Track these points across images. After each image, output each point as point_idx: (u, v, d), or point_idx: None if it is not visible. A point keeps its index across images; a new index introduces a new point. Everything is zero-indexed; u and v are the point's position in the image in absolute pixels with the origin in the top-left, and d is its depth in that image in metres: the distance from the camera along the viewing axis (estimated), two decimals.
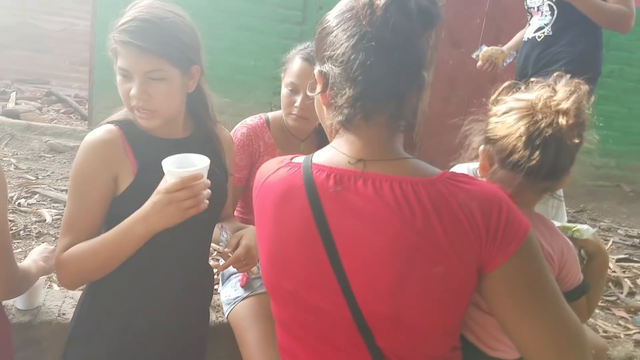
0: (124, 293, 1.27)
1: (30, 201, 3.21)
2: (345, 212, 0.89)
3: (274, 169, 0.99)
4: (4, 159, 4.10)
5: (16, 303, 1.77)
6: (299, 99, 1.82)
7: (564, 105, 1.05)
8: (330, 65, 0.93)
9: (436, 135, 4.81)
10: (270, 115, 2.00)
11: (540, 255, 0.90)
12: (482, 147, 1.13)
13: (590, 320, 2.32)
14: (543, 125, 1.05)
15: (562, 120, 1.04)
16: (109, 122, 1.28)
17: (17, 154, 4.32)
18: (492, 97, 1.17)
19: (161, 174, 1.15)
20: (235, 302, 1.84)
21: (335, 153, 0.96)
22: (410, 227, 0.85)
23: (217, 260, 2.47)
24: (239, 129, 1.95)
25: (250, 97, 5.13)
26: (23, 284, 1.34)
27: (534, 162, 1.05)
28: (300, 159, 0.99)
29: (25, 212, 3.04)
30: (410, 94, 0.94)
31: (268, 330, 1.62)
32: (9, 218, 2.88)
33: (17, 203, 3.13)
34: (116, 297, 1.27)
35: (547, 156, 1.05)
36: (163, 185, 1.15)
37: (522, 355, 0.91)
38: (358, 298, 0.88)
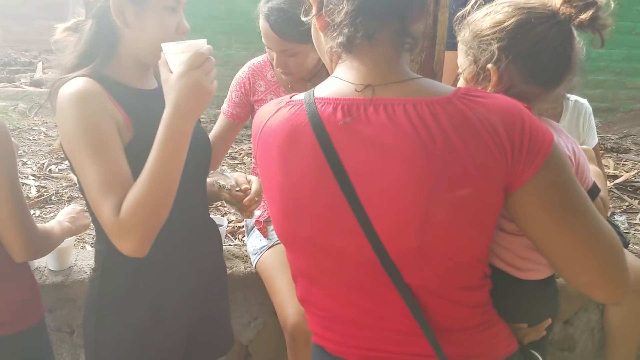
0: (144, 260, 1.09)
1: (61, 167, 3.27)
2: (358, 145, 0.82)
3: (273, 111, 0.91)
4: (34, 127, 4.18)
5: (48, 264, 1.80)
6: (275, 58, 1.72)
7: None
8: None
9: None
10: None
11: (568, 163, 0.84)
12: (493, 65, 1.02)
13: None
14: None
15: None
16: (79, 75, 1.11)
17: (46, 122, 4.39)
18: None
19: (156, 127, 1.06)
20: (261, 252, 1.83)
21: (339, 82, 0.87)
22: (431, 152, 0.78)
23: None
24: (242, 68, 1.90)
25: None
26: (44, 246, 1.33)
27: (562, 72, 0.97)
28: (300, 95, 0.90)
29: (56, 177, 3.09)
30: (414, 9, 0.85)
31: None
32: (42, 184, 2.95)
33: (48, 169, 3.19)
34: (136, 266, 1.14)
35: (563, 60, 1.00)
36: (182, 67, 1.03)
37: (559, 272, 0.86)
38: (381, 235, 0.82)
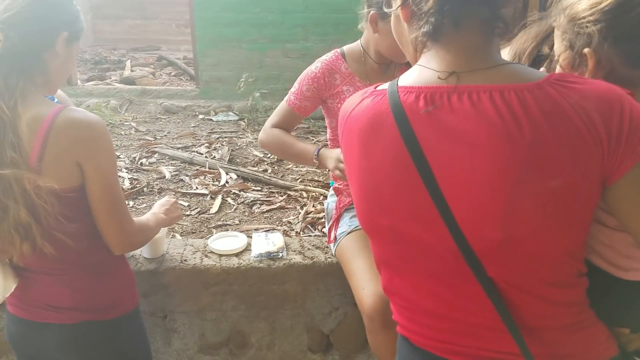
0: None
1: (151, 160, 3.46)
2: (440, 133, 0.80)
3: (357, 101, 0.91)
4: (125, 122, 4.45)
5: (142, 252, 1.92)
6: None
7: None
8: None
9: None
10: (346, 47, 1.93)
11: None
12: (590, 50, 0.96)
13: None
14: None
15: None
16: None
17: (136, 117, 4.66)
18: None
19: None
20: (340, 238, 1.85)
21: (423, 70, 0.86)
22: (518, 140, 0.75)
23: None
24: (314, 64, 1.91)
25: (348, 36, 5.00)
26: (140, 238, 1.41)
27: None
28: (385, 85, 0.90)
29: (147, 170, 3.28)
30: None
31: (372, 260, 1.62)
32: (134, 177, 3.13)
33: (139, 163, 3.39)
34: None
35: None
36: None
37: None
38: (462, 226, 0.80)
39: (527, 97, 0.75)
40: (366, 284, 1.59)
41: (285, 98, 1.96)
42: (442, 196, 0.81)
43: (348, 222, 1.87)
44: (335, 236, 1.88)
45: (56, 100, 1.48)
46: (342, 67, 1.87)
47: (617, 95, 0.75)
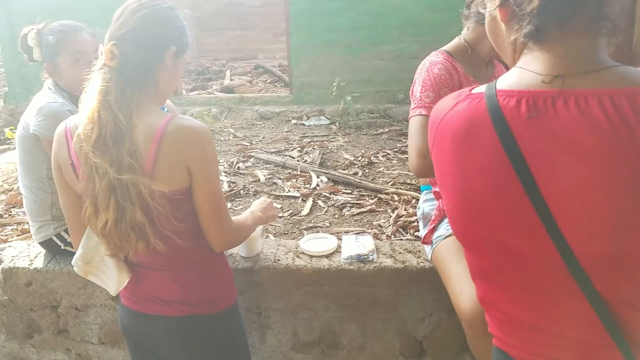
0: None
1: (247, 164, 3.60)
2: (544, 141, 0.75)
3: (451, 105, 0.87)
4: (224, 129, 4.67)
5: (240, 252, 2.01)
6: None
7: None
8: None
9: None
10: (449, 48, 1.86)
11: None
12: None
13: None
14: None
15: None
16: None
17: (234, 124, 4.88)
18: None
19: None
20: (437, 242, 1.80)
21: (524, 73, 0.81)
22: (630, 149, 0.69)
23: None
24: (429, 69, 1.79)
25: (444, 36, 4.88)
26: (238, 236, 1.48)
27: None
28: (481, 88, 0.85)
29: (243, 174, 3.42)
30: None
31: None
32: (232, 180, 3.28)
33: (236, 167, 3.54)
34: None
35: None
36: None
37: None
38: (568, 238, 0.76)
39: None
40: (464, 287, 1.54)
41: (417, 112, 1.73)
42: (546, 206, 0.76)
43: (446, 226, 1.82)
44: (431, 240, 1.84)
45: (166, 109, 1.59)
46: (458, 68, 1.82)
47: None
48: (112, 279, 1.33)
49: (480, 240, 0.87)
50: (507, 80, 0.83)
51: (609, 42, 0.82)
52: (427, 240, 1.87)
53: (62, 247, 2.00)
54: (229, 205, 2.90)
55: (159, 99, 1.29)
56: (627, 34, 0.78)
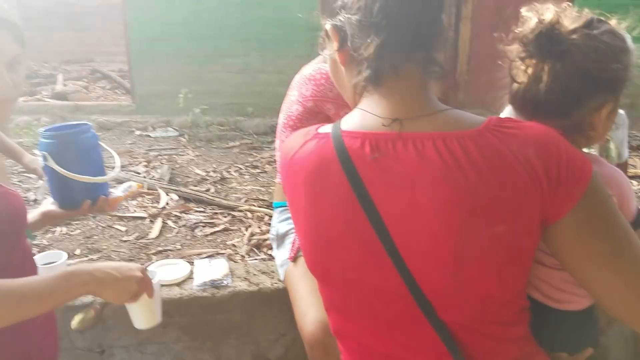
0: None
1: None
2: (388, 180, 0.80)
3: (300, 144, 0.89)
4: None
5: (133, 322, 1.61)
6: None
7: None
8: (345, 15, 0.83)
9: (483, 71, 4.52)
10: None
11: (607, 193, 0.80)
12: None
13: None
14: None
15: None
16: None
17: None
18: None
19: None
20: (288, 263, 1.82)
21: (365, 116, 0.85)
22: (463, 188, 0.75)
23: None
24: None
25: (288, 51, 5.02)
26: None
27: None
28: (327, 128, 0.89)
29: None
30: (436, 34, 0.83)
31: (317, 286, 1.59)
32: None
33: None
34: None
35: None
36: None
37: (602, 303, 0.83)
38: (413, 272, 0.80)
39: (469, 145, 0.76)
40: (308, 310, 1.57)
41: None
42: (392, 242, 0.81)
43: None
44: (285, 259, 1.84)
45: None
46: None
47: (554, 140, 0.77)
48: None
49: (333, 274, 0.90)
50: (351, 122, 0.87)
51: (438, 85, 0.90)
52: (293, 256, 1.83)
53: None
54: (64, 230, 2.62)
55: None
56: (450, 65, 0.86)
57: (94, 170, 1.47)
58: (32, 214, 1.45)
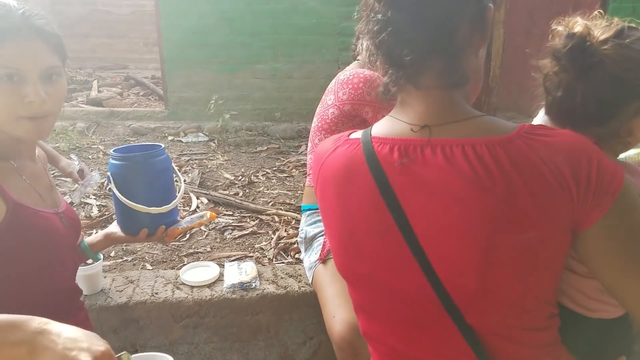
0: None
1: None
2: (416, 186, 0.82)
3: (331, 149, 0.92)
4: (93, 146, 4.36)
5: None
6: None
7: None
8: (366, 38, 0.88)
9: (516, 75, 4.48)
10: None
11: (639, 203, 0.79)
12: None
13: None
14: None
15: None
16: None
17: (104, 140, 4.57)
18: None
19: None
20: (315, 265, 1.84)
21: (395, 122, 0.88)
22: (491, 195, 0.76)
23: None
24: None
25: (316, 57, 5.06)
26: None
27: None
28: (358, 134, 0.91)
29: None
30: (458, 41, 0.83)
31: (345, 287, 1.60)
32: (102, 204, 3.07)
33: (107, 189, 3.31)
34: None
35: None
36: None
37: (631, 312, 0.83)
38: (441, 275, 0.82)
39: (498, 152, 0.77)
40: (336, 311, 1.59)
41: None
42: (419, 246, 0.82)
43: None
44: (312, 262, 1.86)
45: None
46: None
47: (584, 147, 0.77)
48: None
49: (362, 277, 0.92)
50: (381, 128, 0.89)
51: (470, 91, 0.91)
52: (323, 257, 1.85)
53: None
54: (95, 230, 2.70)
55: None
56: (465, 79, 0.87)
57: (162, 195, 1.40)
58: (96, 235, 1.50)
